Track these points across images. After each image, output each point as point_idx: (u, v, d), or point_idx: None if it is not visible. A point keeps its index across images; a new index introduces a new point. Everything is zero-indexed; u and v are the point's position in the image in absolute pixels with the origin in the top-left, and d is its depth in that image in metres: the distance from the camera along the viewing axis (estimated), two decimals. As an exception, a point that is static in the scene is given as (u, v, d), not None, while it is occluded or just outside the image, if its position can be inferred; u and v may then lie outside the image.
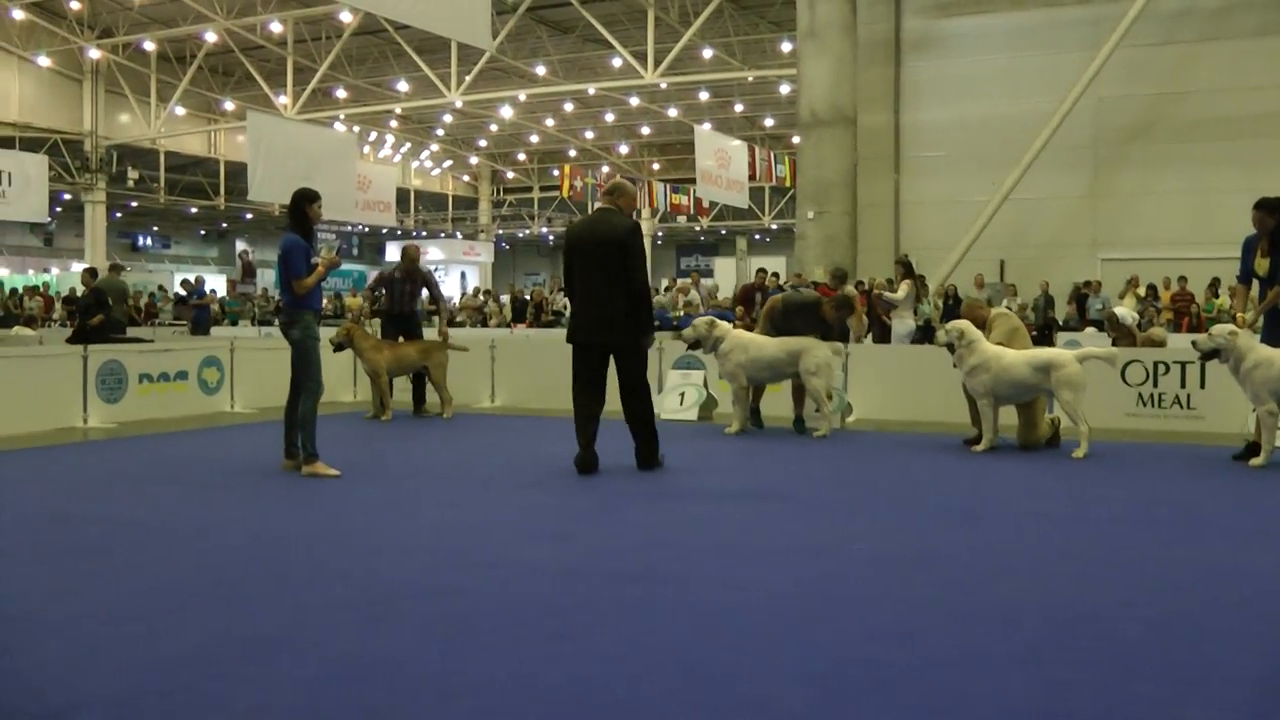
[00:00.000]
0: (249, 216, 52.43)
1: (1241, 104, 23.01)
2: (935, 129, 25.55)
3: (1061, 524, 6.89)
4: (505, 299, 34.71)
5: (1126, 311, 19.94)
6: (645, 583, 5.35)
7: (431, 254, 54.81)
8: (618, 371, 8.84)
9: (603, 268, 8.65)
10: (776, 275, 24.94)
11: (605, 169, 48.18)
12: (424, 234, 58.60)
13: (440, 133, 51.45)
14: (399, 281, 13.90)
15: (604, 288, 8.66)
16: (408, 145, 52.06)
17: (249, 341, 16.51)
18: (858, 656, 4.21)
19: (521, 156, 57.12)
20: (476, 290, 38.83)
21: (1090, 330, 21.29)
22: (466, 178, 60.71)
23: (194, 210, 50.65)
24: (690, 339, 11.90)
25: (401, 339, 13.67)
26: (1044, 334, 20.60)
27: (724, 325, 11.85)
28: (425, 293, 14.25)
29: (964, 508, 7.48)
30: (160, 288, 39.79)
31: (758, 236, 57.52)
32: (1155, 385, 12.25)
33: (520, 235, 63.17)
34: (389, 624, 4.65)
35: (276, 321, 9.58)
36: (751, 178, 31.71)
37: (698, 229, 57.26)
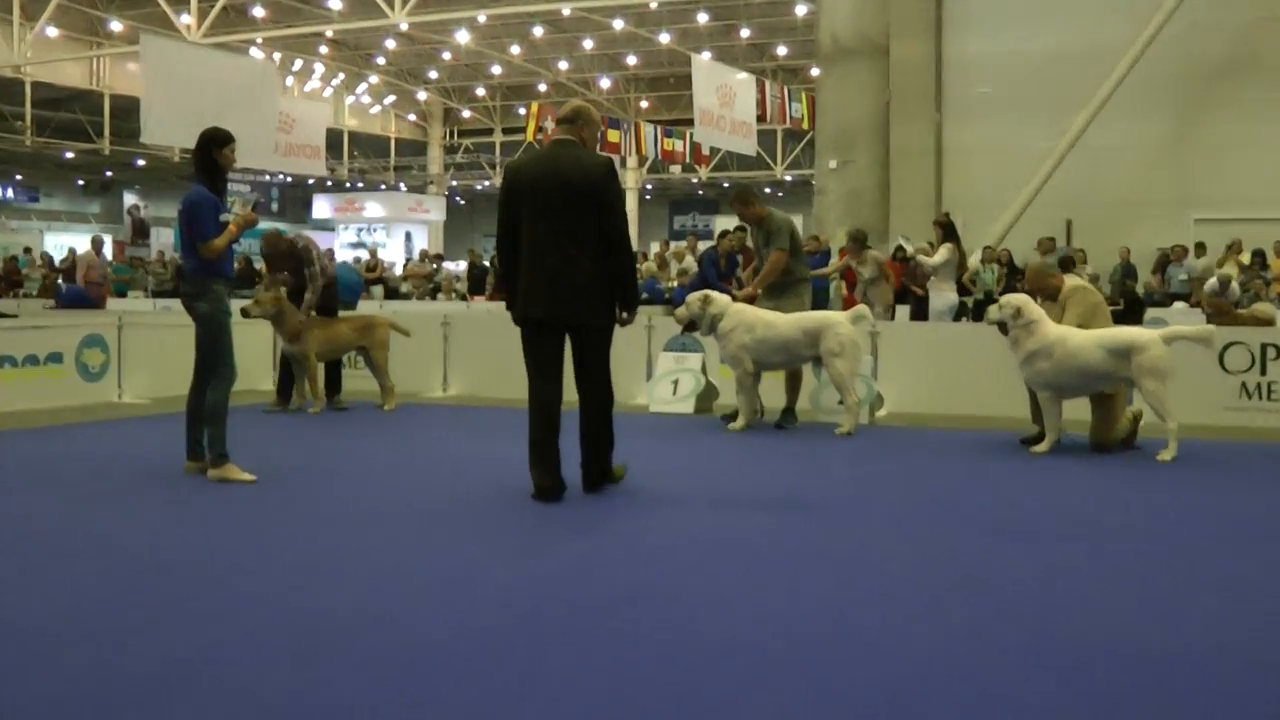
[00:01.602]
0: (141, 163, 52.25)
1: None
2: (986, 61, 25.54)
3: (1143, 543, 6.89)
4: (459, 266, 34.68)
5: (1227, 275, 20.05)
6: (633, 608, 5.35)
7: (370, 210, 54.76)
8: (576, 357, 8.25)
9: (565, 219, 7.95)
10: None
11: (582, 107, 48.14)
12: (360, 185, 58.54)
13: (381, 61, 51.35)
14: (278, 276, 13.63)
15: (566, 247, 7.96)
16: (341, 77, 51.95)
17: (142, 316, 16.45)
18: (886, 699, 4.21)
19: (481, 92, 57.12)
20: (424, 255, 38.73)
21: (1178, 306, 21.33)
22: (413, 117, 60.64)
23: (70, 155, 50.45)
24: (684, 319, 11.95)
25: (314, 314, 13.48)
26: (1130, 311, 20.56)
27: (721, 299, 11.90)
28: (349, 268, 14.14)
29: (1020, 522, 7.49)
30: (26, 250, 39.54)
31: (768, 190, 57.50)
32: (1263, 373, 12.29)
33: (479, 188, 63.16)
34: (319, 661, 4.62)
35: (180, 292, 9.47)
36: (761, 119, 31.69)
37: (695, 181, 57.31)
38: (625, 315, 8.29)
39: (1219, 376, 12.31)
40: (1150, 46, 23.09)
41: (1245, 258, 23.15)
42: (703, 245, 27.52)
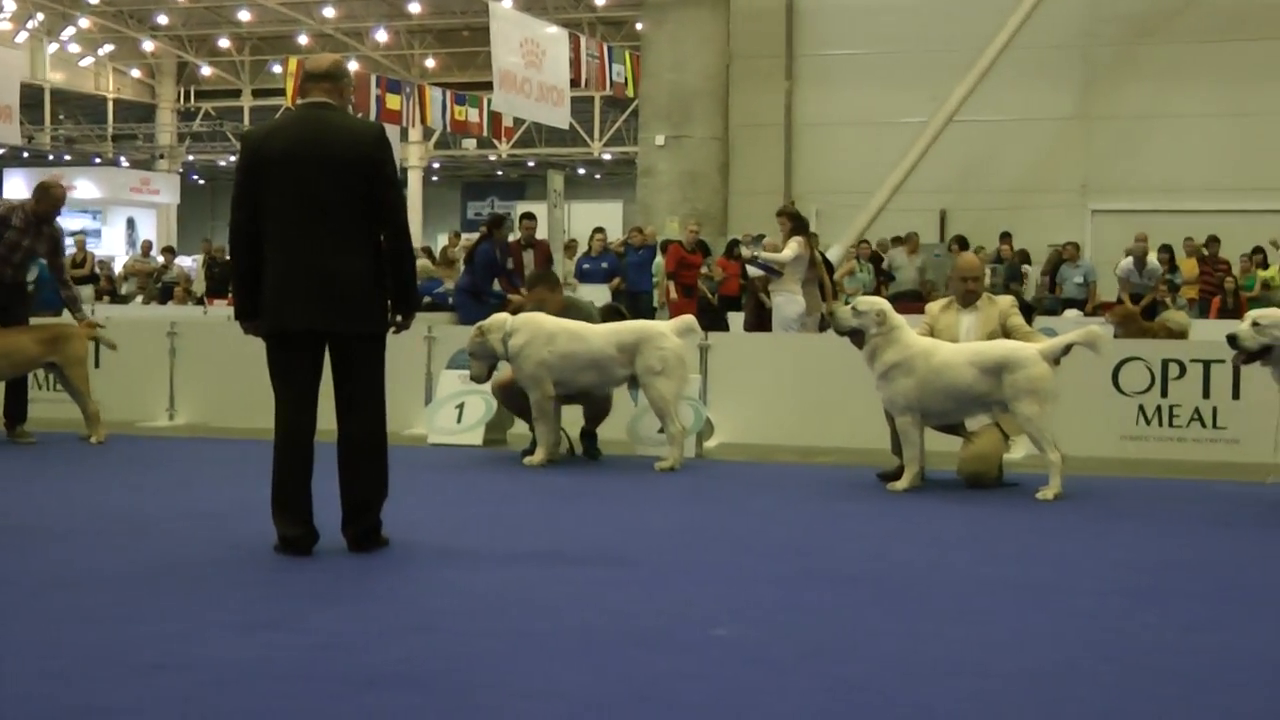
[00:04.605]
0: None
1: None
2: (849, 14, 25.94)
3: (1027, 598, 7.07)
4: (195, 261, 34.15)
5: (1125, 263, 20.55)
6: (399, 689, 5.34)
7: (81, 190, 53.47)
8: (339, 376, 8.02)
9: (328, 201, 7.77)
10: (601, 232, 24.87)
11: (354, 65, 47.82)
12: (68, 158, 57.29)
13: (94, 0, 50.37)
14: (17, 233, 13.27)
15: (330, 235, 7.78)
16: (40, 18, 50.84)
17: None
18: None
19: (224, 43, 56.27)
20: (148, 246, 38.07)
21: (1071, 313, 21.81)
22: (137, 73, 59.58)
23: None
24: (480, 375, 12.04)
25: None
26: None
27: (498, 316, 11.96)
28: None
29: (878, 574, 7.64)
30: None
31: (583, 171, 57.65)
32: (1165, 394, 12.60)
33: (223, 164, 62.25)
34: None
35: None
36: (575, 83, 31.77)
37: (494, 159, 57.17)
38: (400, 319, 8.12)
39: (1113, 399, 12.62)
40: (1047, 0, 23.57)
41: (1153, 256, 23.67)
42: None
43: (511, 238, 20.21)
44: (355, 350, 7.93)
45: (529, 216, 21.35)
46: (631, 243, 24.66)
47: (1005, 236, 24.35)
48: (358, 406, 7.95)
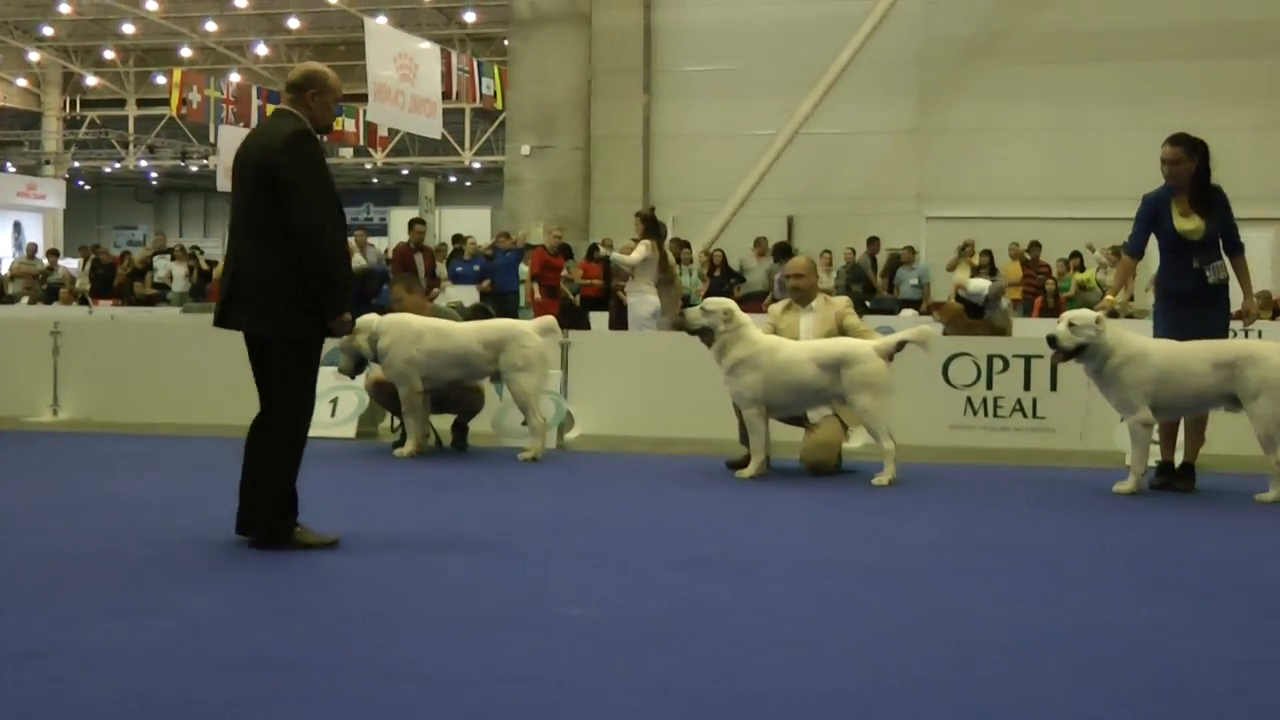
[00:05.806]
0: None
1: (1122, 15, 24.22)
2: (702, 33, 26.06)
3: (862, 577, 7.17)
4: (74, 264, 33.67)
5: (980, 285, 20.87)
6: (266, 670, 5.31)
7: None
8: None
9: (243, 202, 7.81)
10: (460, 240, 24.85)
11: (236, 77, 47.26)
12: (-44, 165, 56.28)
13: (-21, 12, 49.55)
14: None
15: (243, 236, 7.78)
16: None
17: None
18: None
19: (109, 54, 55.52)
20: (33, 249, 37.42)
21: (907, 313, 22.09)
22: (23, 82, 58.61)
23: None
24: (347, 368, 12.00)
25: None
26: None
27: (366, 317, 11.83)
28: None
29: (727, 556, 7.69)
30: None
31: (453, 179, 57.46)
32: (989, 387, 12.89)
33: (107, 170, 61.39)
34: None
35: None
36: (447, 96, 31.68)
37: (369, 167, 56.82)
38: (333, 323, 7.82)
39: (942, 391, 12.89)
40: (887, 21, 23.86)
41: (977, 259, 24.06)
42: (375, 240, 27.33)
43: (398, 242, 20.29)
44: (268, 351, 7.77)
45: (419, 222, 21.56)
46: (500, 246, 24.76)
47: (872, 241, 24.73)
48: (266, 407, 7.83)
